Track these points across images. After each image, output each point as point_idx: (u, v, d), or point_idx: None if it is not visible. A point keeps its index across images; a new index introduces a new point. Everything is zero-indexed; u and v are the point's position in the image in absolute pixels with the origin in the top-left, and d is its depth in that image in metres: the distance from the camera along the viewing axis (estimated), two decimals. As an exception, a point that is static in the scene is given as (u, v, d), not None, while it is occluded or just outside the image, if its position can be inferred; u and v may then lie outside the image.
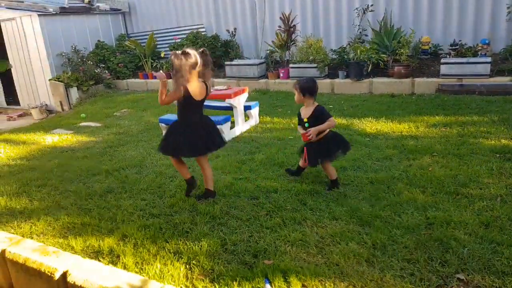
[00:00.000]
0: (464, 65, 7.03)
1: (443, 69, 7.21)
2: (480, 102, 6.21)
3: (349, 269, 2.58)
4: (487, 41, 7.45)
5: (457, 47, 7.68)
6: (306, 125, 3.63)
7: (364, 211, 3.25)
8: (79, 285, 2.46)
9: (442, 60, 7.30)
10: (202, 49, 3.45)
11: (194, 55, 3.31)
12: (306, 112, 3.66)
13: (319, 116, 3.58)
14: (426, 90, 7.25)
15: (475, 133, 4.91)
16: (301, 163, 3.98)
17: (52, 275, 2.59)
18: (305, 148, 3.76)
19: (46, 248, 2.88)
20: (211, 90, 5.86)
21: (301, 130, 3.72)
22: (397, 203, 3.35)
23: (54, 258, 2.72)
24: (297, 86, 3.61)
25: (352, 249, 2.76)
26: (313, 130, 3.52)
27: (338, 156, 3.80)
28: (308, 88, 3.58)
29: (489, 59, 7.00)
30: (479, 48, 7.44)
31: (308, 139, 3.58)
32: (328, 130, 3.64)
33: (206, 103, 6.43)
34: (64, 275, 2.56)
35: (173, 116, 4.61)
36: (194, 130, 3.50)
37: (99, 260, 2.88)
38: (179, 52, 3.29)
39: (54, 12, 10.45)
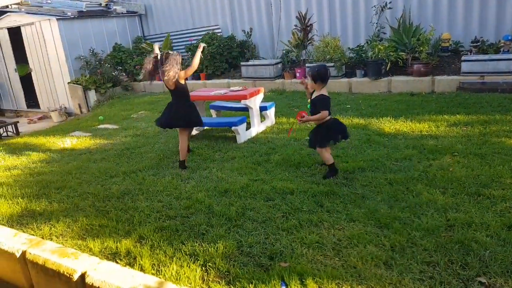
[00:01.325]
0: (486, 62, 6.85)
1: (464, 66, 7.04)
2: (503, 100, 6.05)
3: (367, 272, 2.53)
4: (510, 37, 7.22)
5: (478, 43, 7.50)
6: (308, 106, 3.99)
7: (383, 213, 3.19)
8: (97, 286, 2.49)
9: (463, 58, 7.13)
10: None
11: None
12: (314, 95, 3.95)
13: (317, 104, 3.87)
14: (447, 88, 7.09)
15: (497, 132, 4.77)
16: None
17: (71, 276, 2.63)
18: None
19: (65, 250, 2.92)
20: (221, 92, 6.00)
21: (302, 111, 4.04)
22: (416, 205, 3.28)
23: (72, 260, 2.76)
24: (309, 73, 3.90)
25: (370, 252, 2.72)
26: (305, 119, 3.86)
27: (338, 142, 4.04)
28: (319, 74, 3.84)
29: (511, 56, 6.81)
30: (502, 44, 7.24)
31: (298, 118, 3.89)
32: (329, 117, 3.88)
33: (222, 104, 6.57)
34: (82, 277, 2.60)
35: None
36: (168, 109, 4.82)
37: (117, 262, 2.91)
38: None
39: (73, 16, 10.68)
